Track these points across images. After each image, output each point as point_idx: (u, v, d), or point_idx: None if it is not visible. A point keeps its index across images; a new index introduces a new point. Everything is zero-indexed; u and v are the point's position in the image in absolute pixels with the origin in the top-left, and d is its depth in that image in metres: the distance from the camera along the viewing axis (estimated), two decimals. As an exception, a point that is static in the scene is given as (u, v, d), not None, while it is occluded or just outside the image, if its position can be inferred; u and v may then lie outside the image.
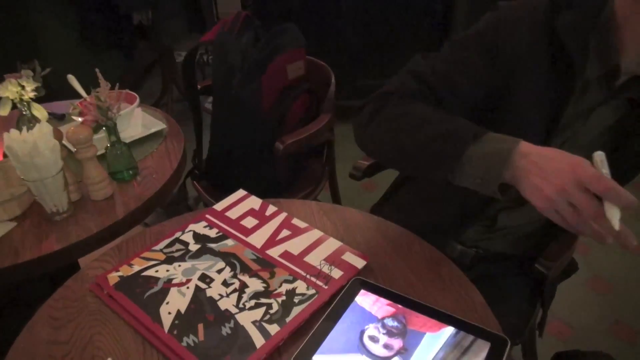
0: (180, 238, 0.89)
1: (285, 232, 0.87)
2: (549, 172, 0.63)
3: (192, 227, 0.91)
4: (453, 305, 0.74)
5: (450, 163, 0.71)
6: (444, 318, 0.70)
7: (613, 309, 1.81)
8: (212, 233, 0.90)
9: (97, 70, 1.02)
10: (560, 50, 0.78)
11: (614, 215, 0.59)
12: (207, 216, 0.94)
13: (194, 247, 0.87)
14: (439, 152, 0.72)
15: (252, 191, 0.99)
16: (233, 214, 0.93)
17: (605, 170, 0.63)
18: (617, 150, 0.89)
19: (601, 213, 0.59)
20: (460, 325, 0.68)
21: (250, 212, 0.93)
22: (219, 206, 0.96)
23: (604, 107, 0.85)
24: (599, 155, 0.64)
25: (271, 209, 0.94)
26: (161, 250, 0.86)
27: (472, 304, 0.75)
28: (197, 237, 0.89)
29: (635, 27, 0.74)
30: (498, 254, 1.07)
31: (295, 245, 0.84)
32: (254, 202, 0.96)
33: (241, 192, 0.99)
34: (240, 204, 0.96)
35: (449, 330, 0.68)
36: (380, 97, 0.84)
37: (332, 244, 0.85)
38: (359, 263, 0.81)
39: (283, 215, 0.92)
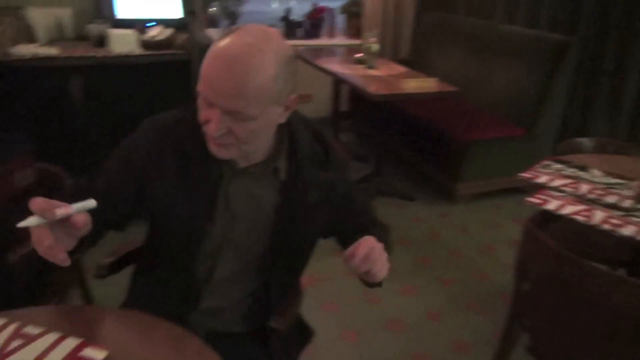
0: None
1: (15, 343, 0.87)
2: None
3: None
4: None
5: None
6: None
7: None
8: None
9: None
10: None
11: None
12: None
13: None
14: None
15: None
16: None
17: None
18: None
19: None
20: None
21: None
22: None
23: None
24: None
25: (-1, 321, 0.92)
26: None
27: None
28: None
29: None
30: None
31: (28, 354, 0.85)
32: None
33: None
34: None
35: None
36: None
37: (70, 343, 0.87)
38: (99, 355, 0.84)
39: (13, 326, 0.91)
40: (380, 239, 1.01)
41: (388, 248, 1.04)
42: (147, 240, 1.21)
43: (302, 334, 1.34)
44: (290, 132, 1.10)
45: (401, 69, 3.52)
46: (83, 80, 2.66)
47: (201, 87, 0.93)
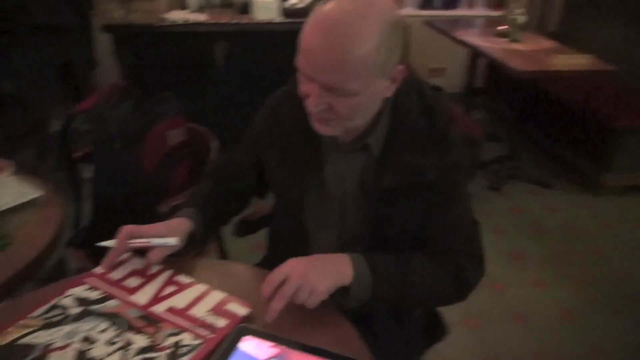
0: (59, 303, 0.89)
1: (170, 289, 0.93)
2: None
3: (72, 291, 0.92)
4: (331, 341, 0.83)
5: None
6: (322, 353, 0.79)
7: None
8: (94, 295, 0.91)
9: None
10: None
11: None
12: (88, 279, 0.95)
13: (74, 310, 0.88)
14: None
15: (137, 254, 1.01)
16: (115, 275, 0.96)
17: None
18: None
19: None
20: (336, 358, 0.78)
21: (134, 272, 0.97)
22: (100, 269, 0.97)
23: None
24: None
25: (155, 267, 0.98)
26: (39, 316, 0.86)
27: (348, 339, 0.85)
28: (78, 300, 0.90)
29: None
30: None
31: (180, 300, 0.91)
32: (137, 262, 0.99)
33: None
34: (123, 265, 0.98)
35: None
36: None
37: (216, 296, 0.92)
38: (243, 311, 0.89)
39: (167, 272, 0.97)
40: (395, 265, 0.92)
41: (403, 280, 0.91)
42: (273, 208, 1.24)
43: (433, 329, 1.21)
44: (394, 103, 0.98)
45: (549, 43, 3.21)
46: (227, 45, 2.79)
47: (298, 59, 0.85)
